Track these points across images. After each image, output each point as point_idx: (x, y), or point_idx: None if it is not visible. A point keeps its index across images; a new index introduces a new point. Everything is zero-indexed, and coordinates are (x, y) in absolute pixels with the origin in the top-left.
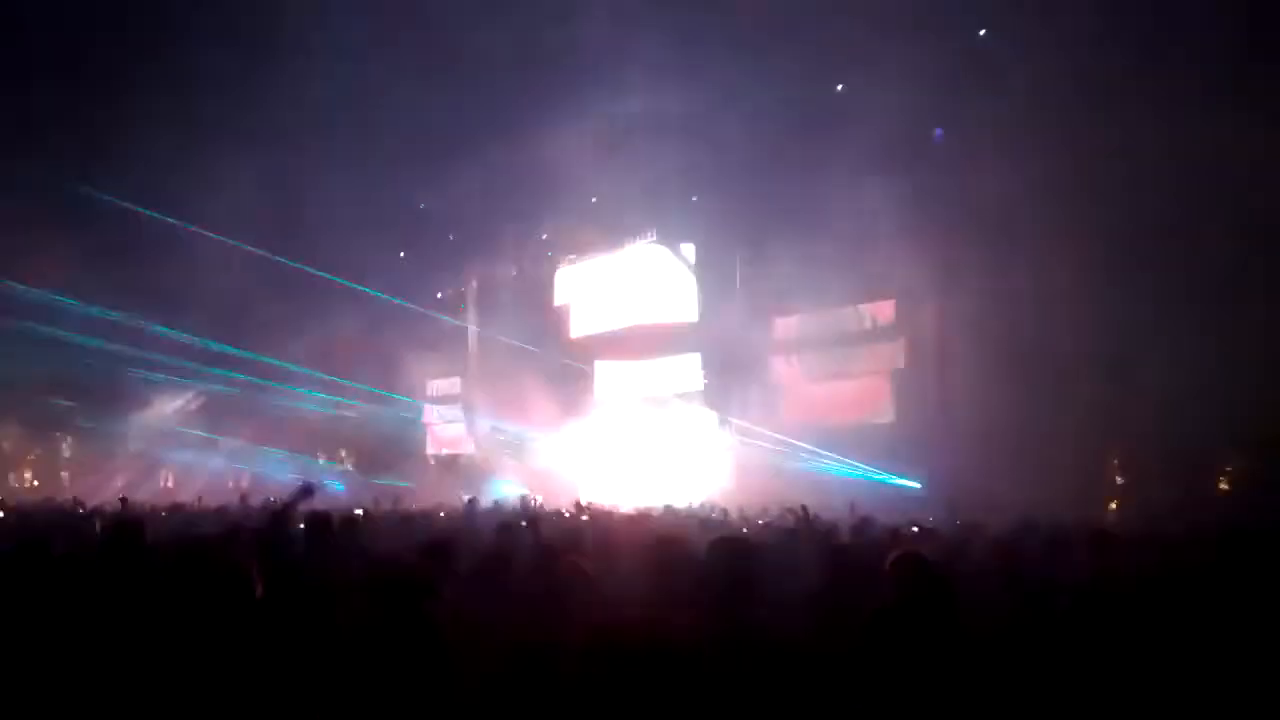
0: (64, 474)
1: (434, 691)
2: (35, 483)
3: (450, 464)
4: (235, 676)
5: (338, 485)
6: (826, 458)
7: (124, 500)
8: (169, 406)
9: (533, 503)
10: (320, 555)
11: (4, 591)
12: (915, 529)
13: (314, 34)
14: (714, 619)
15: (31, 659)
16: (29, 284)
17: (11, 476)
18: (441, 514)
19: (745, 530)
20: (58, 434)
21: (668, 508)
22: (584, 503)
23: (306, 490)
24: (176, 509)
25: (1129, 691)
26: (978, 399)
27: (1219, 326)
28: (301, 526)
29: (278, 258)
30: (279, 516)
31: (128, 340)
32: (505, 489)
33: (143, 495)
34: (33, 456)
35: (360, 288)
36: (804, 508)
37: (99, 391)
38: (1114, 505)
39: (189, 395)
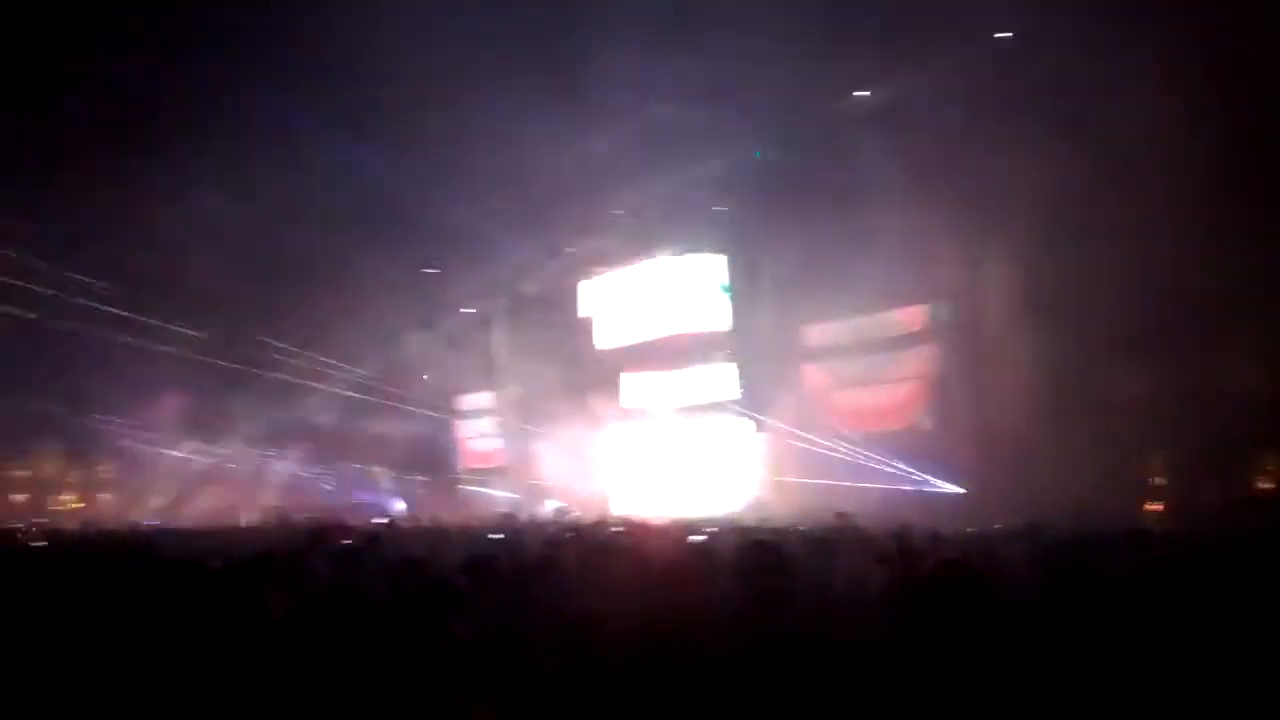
0: (104, 495)
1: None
2: (79, 504)
3: (485, 477)
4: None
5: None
6: (864, 464)
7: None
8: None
9: (568, 515)
10: (349, 573)
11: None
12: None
13: (348, 46)
14: (746, 624)
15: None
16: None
17: (51, 499)
18: (475, 528)
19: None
20: (97, 454)
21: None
22: (619, 515)
23: (344, 532)
24: (209, 529)
25: (1171, 690)
26: (1014, 402)
27: (1258, 327)
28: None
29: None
30: (312, 539)
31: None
32: (539, 502)
33: (182, 514)
34: (73, 478)
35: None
36: (845, 515)
37: (139, 410)
38: (1153, 507)
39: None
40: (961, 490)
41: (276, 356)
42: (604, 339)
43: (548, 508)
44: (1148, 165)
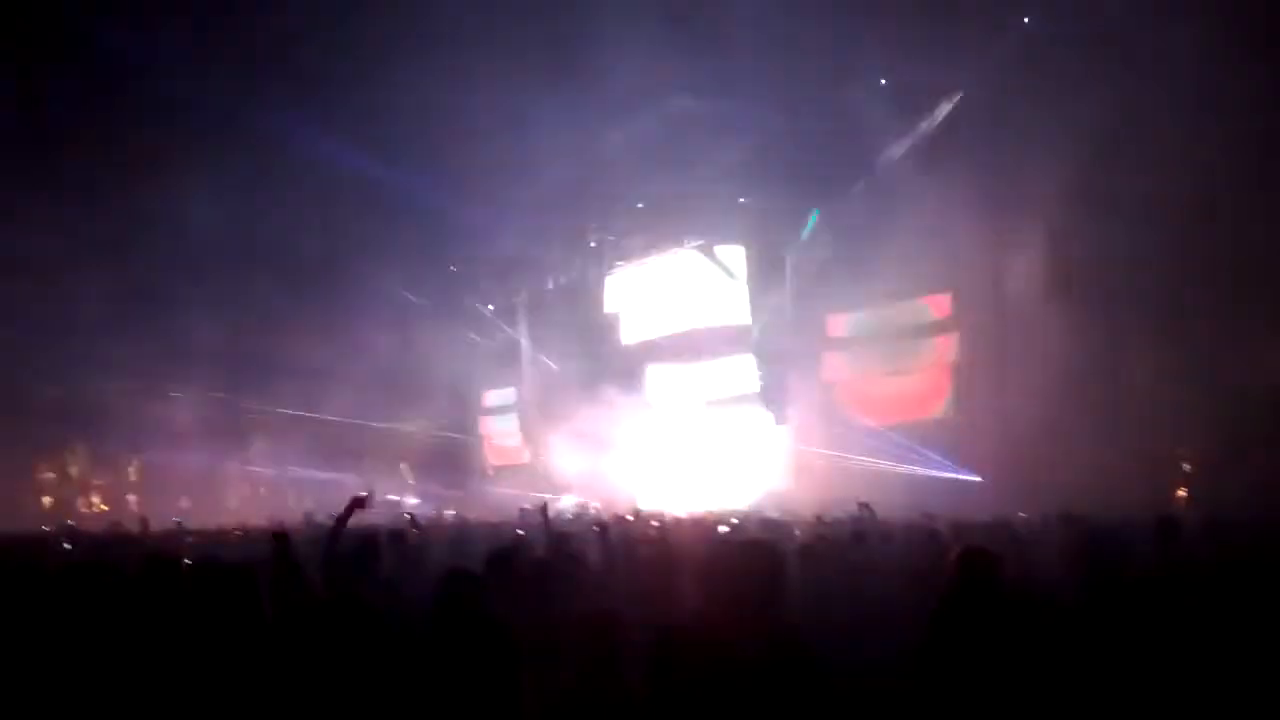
0: (130, 497)
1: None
2: (104, 506)
3: (508, 474)
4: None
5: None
6: (885, 454)
7: (144, 521)
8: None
9: (592, 510)
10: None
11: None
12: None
13: (370, 45)
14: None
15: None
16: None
17: (79, 501)
18: (500, 524)
19: (799, 531)
20: (125, 456)
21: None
22: (642, 510)
23: (358, 502)
24: (234, 530)
25: (1200, 679)
26: (1036, 392)
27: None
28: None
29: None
30: (332, 535)
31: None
32: (564, 498)
33: (208, 516)
34: (99, 481)
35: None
36: (867, 505)
37: (167, 413)
38: (1183, 494)
39: (247, 413)
40: (981, 479)
41: (297, 355)
42: (629, 333)
43: (564, 504)
44: (1174, 152)
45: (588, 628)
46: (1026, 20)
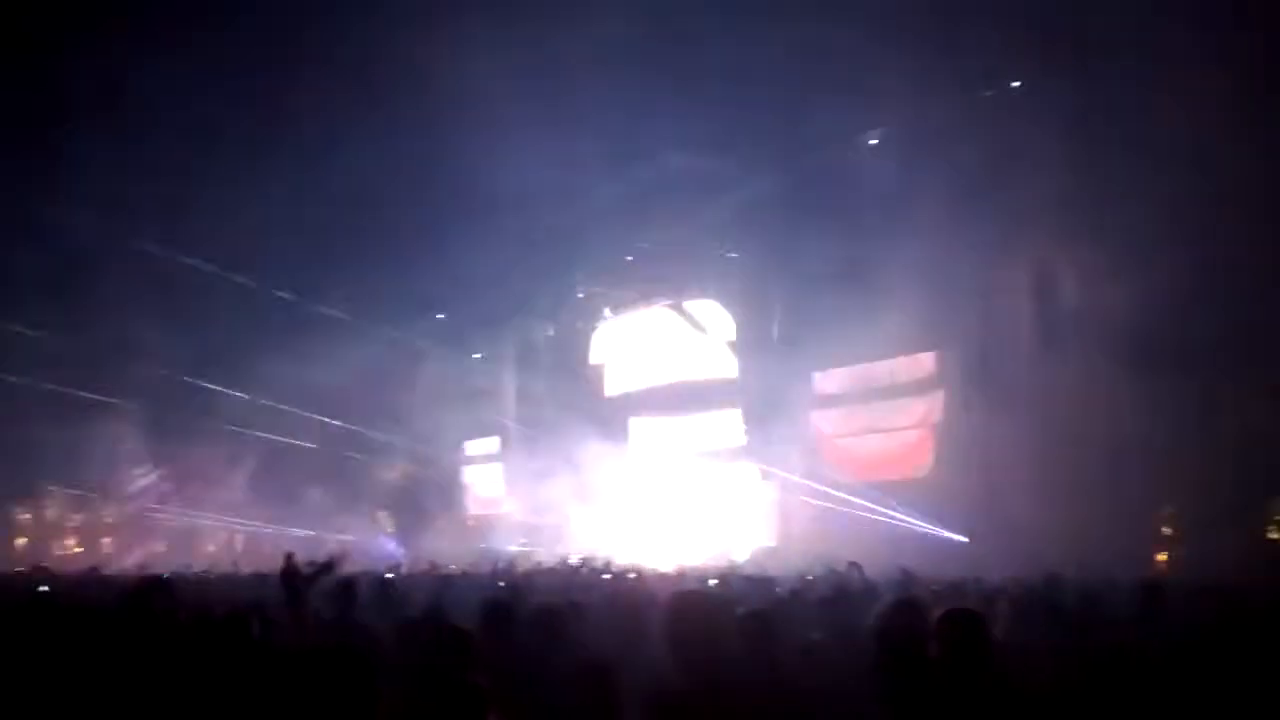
0: (106, 539)
1: None
2: (79, 549)
3: (490, 524)
4: None
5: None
6: (871, 512)
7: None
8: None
9: (575, 562)
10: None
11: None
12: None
13: (357, 92)
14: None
15: None
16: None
17: (55, 543)
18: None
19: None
20: (99, 499)
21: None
22: (621, 563)
23: (329, 564)
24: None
25: None
26: (1021, 451)
27: (1269, 374)
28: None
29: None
30: (301, 590)
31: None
32: (547, 548)
33: (180, 560)
34: (74, 523)
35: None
36: (856, 564)
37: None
38: (1163, 557)
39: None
40: (965, 539)
41: (281, 402)
42: (615, 385)
43: (556, 555)
44: (1157, 217)
45: (582, 679)
46: (1017, 84)
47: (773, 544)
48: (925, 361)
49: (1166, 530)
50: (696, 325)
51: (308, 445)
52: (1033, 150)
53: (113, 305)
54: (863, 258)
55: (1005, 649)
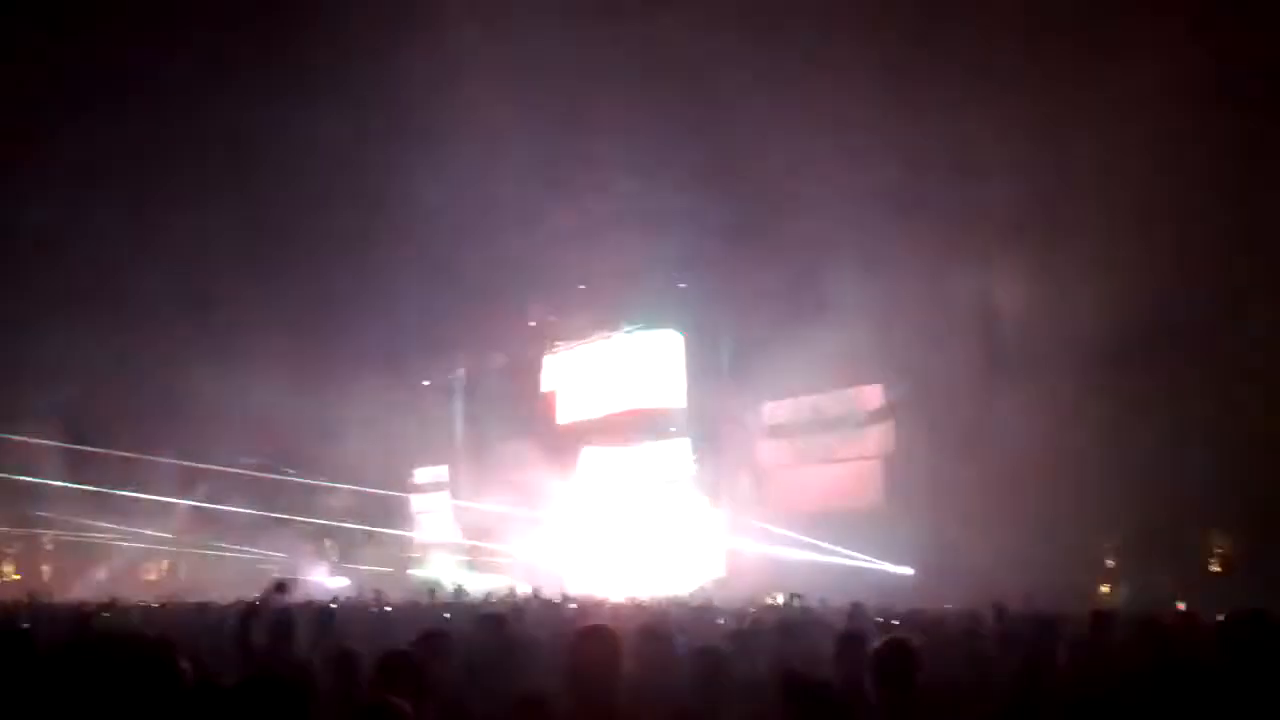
0: (45, 567)
1: None
2: (16, 576)
3: (437, 553)
4: None
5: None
6: (818, 544)
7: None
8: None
9: (521, 593)
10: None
11: None
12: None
13: (303, 114)
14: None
15: None
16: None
17: None
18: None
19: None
20: (40, 527)
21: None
22: (571, 593)
23: (278, 588)
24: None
25: None
26: (967, 484)
27: (1207, 411)
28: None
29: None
30: (246, 617)
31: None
32: (493, 578)
33: (126, 590)
34: (13, 550)
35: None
36: (798, 595)
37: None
38: (1106, 589)
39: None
40: (913, 572)
41: (218, 424)
42: (566, 413)
43: (492, 587)
44: (1116, 244)
45: (520, 711)
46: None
47: (722, 575)
48: (874, 394)
49: (1110, 563)
50: (677, 351)
51: (251, 473)
52: (979, 175)
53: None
54: (812, 288)
55: (944, 679)
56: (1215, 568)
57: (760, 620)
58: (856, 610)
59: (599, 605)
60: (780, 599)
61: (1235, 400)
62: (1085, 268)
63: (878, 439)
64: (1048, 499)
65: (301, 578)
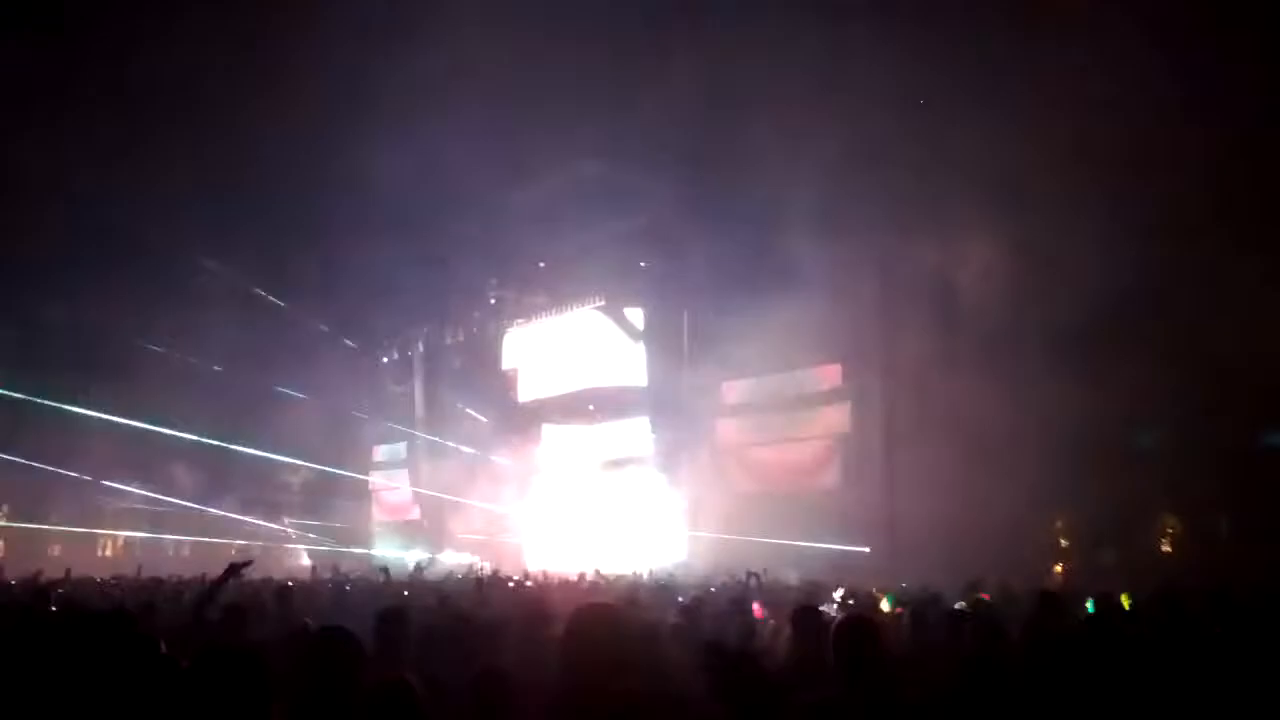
0: None
1: None
2: None
3: (395, 530)
4: None
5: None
6: (776, 523)
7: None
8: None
9: (480, 570)
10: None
11: None
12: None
13: (267, 94)
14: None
15: None
16: None
17: None
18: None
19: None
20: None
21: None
22: (531, 570)
23: (235, 568)
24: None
25: None
26: (923, 464)
27: (1158, 393)
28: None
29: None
30: (203, 598)
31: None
32: (453, 555)
33: (81, 566)
34: None
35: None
36: (755, 574)
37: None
38: (1059, 569)
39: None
40: (869, 550)
41: (175, 398)
42: (526, 391)
43: (450, 561)
44: (1068, 232)
45: (479, 688)
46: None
47: (682, 555)
48: (832, 373)
49: (1063, 542)
50: (637, 329)
51: (210, 445)
52: (942, 162)
53: None
54: (771, 268)
55: (901, 656)
56: (1166, 548)
57: (704, 597)
58: (814, 587)
59: (565, 583)
60: (741, 577)
61: (1188, 381)
62: (1042, 249)
63: (834, 418)
64: (1001, 479)
65: (260, 557)
